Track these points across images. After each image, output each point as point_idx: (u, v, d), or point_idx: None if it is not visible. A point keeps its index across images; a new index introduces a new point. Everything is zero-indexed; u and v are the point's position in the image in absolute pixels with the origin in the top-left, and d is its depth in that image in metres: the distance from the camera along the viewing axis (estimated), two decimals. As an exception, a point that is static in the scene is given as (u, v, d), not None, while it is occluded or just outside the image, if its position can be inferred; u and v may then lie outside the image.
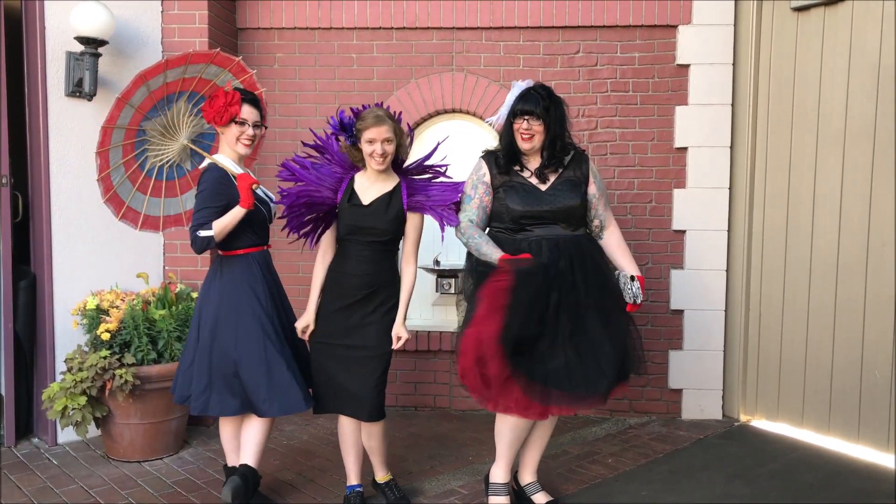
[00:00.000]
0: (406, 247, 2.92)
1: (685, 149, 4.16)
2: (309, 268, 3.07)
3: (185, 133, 2.99)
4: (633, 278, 2.78)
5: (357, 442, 2.98)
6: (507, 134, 2.83)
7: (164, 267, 4.11)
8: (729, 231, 4.15)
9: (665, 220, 4.21)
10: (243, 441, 2.88)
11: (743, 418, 4.17)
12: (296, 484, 3.29)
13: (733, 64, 4.09)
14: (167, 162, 3.02)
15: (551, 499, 3.00)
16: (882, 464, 3.45)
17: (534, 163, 2.84)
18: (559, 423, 3.64)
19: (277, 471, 3.44)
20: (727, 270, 4.16)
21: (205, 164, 2.84)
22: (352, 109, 2.86)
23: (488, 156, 2.89)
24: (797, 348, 3.89)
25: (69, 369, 3.41)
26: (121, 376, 3.31)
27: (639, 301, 2.78)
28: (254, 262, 2.84)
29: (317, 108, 4.32)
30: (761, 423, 4.09)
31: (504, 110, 2.87)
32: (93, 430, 3.46)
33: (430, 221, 3.02)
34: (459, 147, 4.08)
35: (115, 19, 3.62)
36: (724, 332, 4.19)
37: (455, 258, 4.43)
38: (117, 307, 3.55)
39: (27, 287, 3.71)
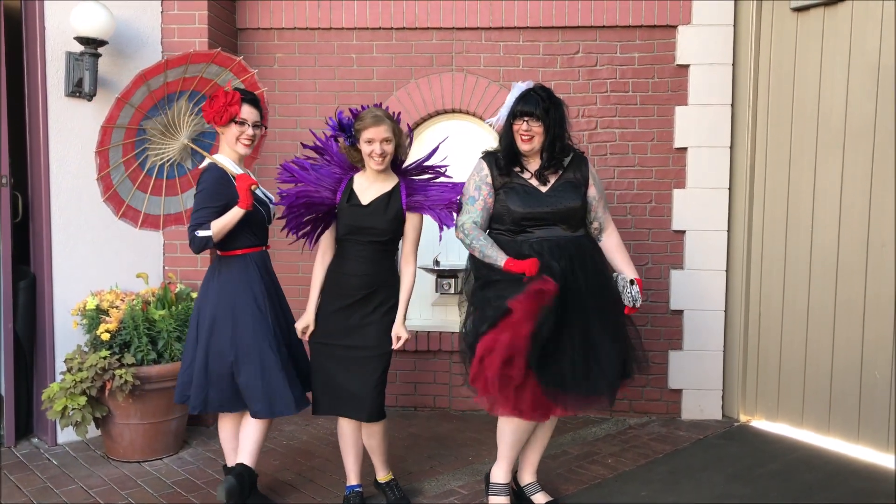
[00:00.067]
0: (405, 247, 2.92)
1: (685, 149, 4.16)
2: (308, 268, 3.07)
3: (186, 132, 2.99)
4: (632, 282, 2.80)
5: (357, 442, 2.98)
6: (506, 135, 2.83)
7: (163, 267, 4.11)
8: (728, 231, 4.15)
9: (665, 221, 4.21)
10: (240, 440, 2.89)
11: (743, 418, 4.17)
12: (295, 484, 3.29)
13: (733, 64, 4.09)
14: (168, 160, 3.02)
15: (551, 499, 3.00)
16: (882, 464, 3.45)
17: (533, 164, 2.84)
18: (559, 424, 3.64)
19: (277, 471, 3.44)
20: (727, 271, 4.17)
21: (205, 163, 2.84)
22: (350, 110, 2.86)
23: (488, 156, 2.88)
24: (797, 348, 3.89)
25: (69, 369, 3.41)
26: (120, 376, 3.31)
27: (638, 305, 2.79)
28: (252, 262, 2.84)
29: (316, 109, 4.32)
30: (761, 424, 4.09)
31: (504, 111, 2.87)
32: (92, 431, 3.46)
33: (429, 222, 3.02)
34: (459, 147, 4.08)
35: (114, 19, 3.62)
36: (724, 332, 4.19)
37: (455, 258, 4.43)
38: (117, 307, 3.55)
39: (27, 287, 3.71)
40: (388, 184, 2.88)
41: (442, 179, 2.98)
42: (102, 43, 3.61)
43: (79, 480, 3.30)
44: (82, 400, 3.32)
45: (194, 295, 3.74)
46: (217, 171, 2.75)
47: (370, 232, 2.82)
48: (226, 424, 2.99)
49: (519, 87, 2.84)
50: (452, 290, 4.33)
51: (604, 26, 4.15)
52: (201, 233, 2.67)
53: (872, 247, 3.55)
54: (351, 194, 2.86)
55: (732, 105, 4.11)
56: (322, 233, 2.95)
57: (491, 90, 4.22)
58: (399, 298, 2.89)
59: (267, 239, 2.96)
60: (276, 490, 3.21)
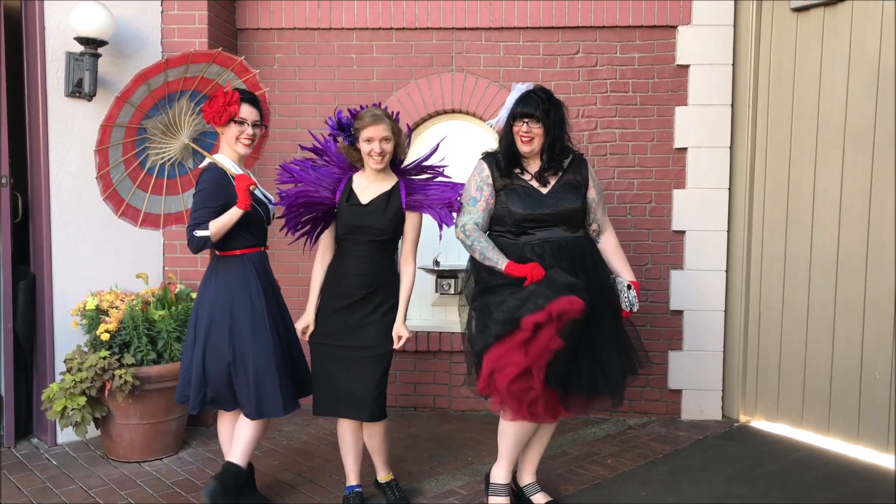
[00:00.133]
0: (405, 246, 2.92)
1: (685, 149, 4.16)
2: (308, 268, 3.07)
3: (187, 132, 2.98)
4: (629, 286, 2.82)
5: (356, 442, 2.98)
6: (506, 137, 2.83)
7: (163, 267, 4.11)
8: (728, 231, 4.15)
9: (665, 221, 4.21)
10: (233, 438, 2.88)
11: (742, 419, 4.17)
12: (295, 484, 3.29)
13: (733, 64, 4.09)
14: (169, 160, 3.02)
15: (551, 499, 3.00)
16: (882, 464, 3.45)
17: (533, 166, 2.84)
18: (559, 424, 3.63)
19: (277, 471, 3.44)
20: (727, 271, 4.16)
21: (205, 163, 2.84)
22: (349, 110, 2.86)
23: (489, 157, 2.88)
24: (797, 349, 3.88)
25: (69, 370, 3.41)
26: (120, 377, 3.31)
27: (635, 309, 2.82)
28: (249, 263, 2.83)
29: (316, 109, 4.32)
30: (761, 424, 4.09)
31: (504, 113, 2.87)
32: (92, 431, 3.46)
33: (429, 221, 3.02)
34: (459, 147, 4.09)
35: (114, 19, 3.62)
36: (724, 332, 4.18)
37: (455, 258, 4.43)
38: (117, 307, 3.55)
39: (27, 287, 3.71)
40: (387, 183, 2.88)
41: (441, 179, 2.98)
42: (102, 43, 3.62)
43: (78, 480, 3.30)
44: (82, 400, 3.32)
45: (194, 295, 3.73)
46: (216, 171, 2.75)
47: (370, 231, 2.82)
48: (225, 424, 2.99)
49: (519, 89, 2.85)
50: (452, 291, 4.33)
51: (604, 26, 4.15)
52: (200, 233, 2.67)
53: (872, 247, 3.55)
54: (350, 194, 2.86)
55: (732, 105, 4.11)
56: (321, 232, 2.95)
57: (491, 90, 4.22)
58: (399, 298, 2.89)
59: (265, 240, 2.96)
60: (275, 490, 3.21)
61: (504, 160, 2.82)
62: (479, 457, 3.62)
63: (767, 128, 4.01)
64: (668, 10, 4.09)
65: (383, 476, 3.07)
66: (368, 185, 2.87)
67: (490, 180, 2.81)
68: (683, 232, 4.18)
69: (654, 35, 4.14)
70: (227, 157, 2.82)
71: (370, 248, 2.84)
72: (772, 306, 4.01)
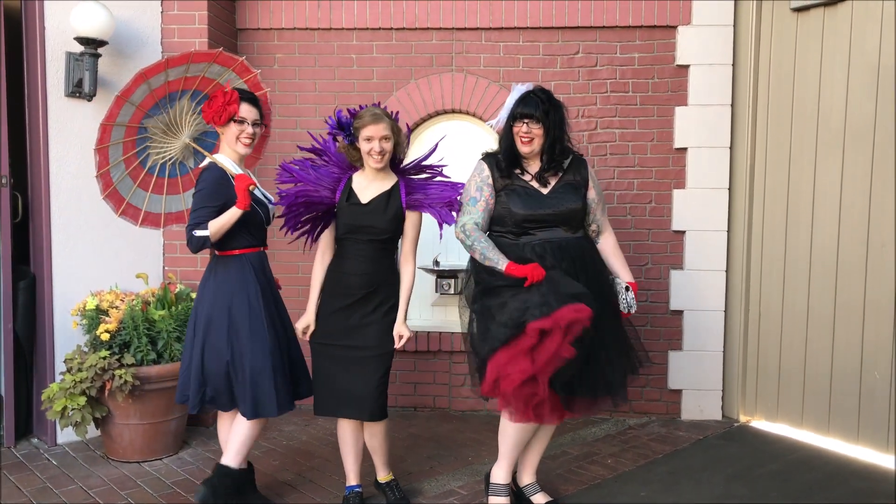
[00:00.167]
0: (404, 246, 2.92)
1: (685, 149, 4.16)
2: (308, 268, 3.07)
3: (188, 132, 2.98)
4: (627, 288, 2.83)
5: (357, 442, 2.99)
6: (506, 137, 2.83)
7: (163, 267, 4.11)
8: (728, 231, 4.15)
9: (665, 221, 4.21)
10: (229, 439, 2.87)
11: (742, 419, 4.17)
12: (295, 484, 3.29)
13: (733, 64, 4.09)
14: (170, 159, 3.02)
15: (550, 499, 3.00)
16: (882, 464, 3.45)
17: (534, 166, 2.84)
18: (559, 424, 3.64)
19: (277, 471, 3.44)
20: (727, 271, 4.16)
21: (205, 163, 2.84)
22: (348, 110, 2.86)
23: (489, 158, 2.88)
24: (797, 349, 3.88)
25: (69, 370, 3.41)
26: (120, 377, 3.31)
27: (633, 311, 2.83)
28: (248, 263, 2.82)
29: (316, 109, 4.32)
30: (761, 424, 4.09)
31: (504, 113, 2.87)
32: (92, 431, 3.46)
33: (428, 222, 3.02)
34: (459, 147, 4.09)
35: (114, 20, 3.62)
36: (724, 332, 4.18)
37: (455, 258, 4.43)
38: (117, 307, 3.55)
39: (27, 287, 3.71)
40: (387, 183, 2.89)
41: (440, 179, 2.98)
42: (102, 43, 3.62)
43: (78, 480, 3.30)
44: (82, 400, 3.32)
45: (194, 295, 3.73)
46: (216, 171, 2.75)
47: (370, 231, 2.82)
48: (225, 424, 2.99)
49: (518, 90, 2.85)
50: (452, 291, 4.33)
51: (604, 26, 4.15)
52: (199, 232, 2.67)
53: (872, 247, 3.55)
54: (350, 193, 2.86)
55: (732, 105, 4.11)
56: (321, 231, 2.95)
57: (491, 90, 4.22)
58: (399, 298, 2.89)
59: (265, 240, 2.95)
60: (275, 490, 3.21)
61: (504, 161, 2.82)
62: (479, 457, 3.62)
63: (767, 128, 4.00)
64: (668, 10, 4.08)
65: (383, 476, 3.07)
66: (368, 185, 2.87)
67: (490, 180, 2.81)
68: (683, 232, 4.18)
69: (654, 35, 4.14)
70: (227, 157, 2.82)
71: (370, 248, 2.85)
72: (772, 306, 4.01)
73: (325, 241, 2.96)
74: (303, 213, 2.88)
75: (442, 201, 2.88)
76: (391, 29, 4.26)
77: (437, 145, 3.06)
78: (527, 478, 3.04)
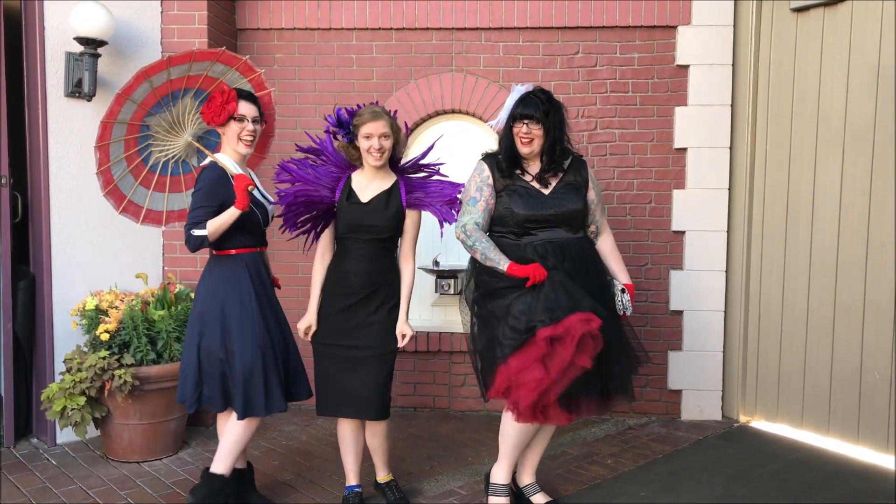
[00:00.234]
0: (404, 244, 2.92)
1: (684, 149, 4.16)
2: (308, 268, 3.07)
3: (190, 130, 2.97)
4: (623, 290, 2.84)
5: (357, 442, 2.99)
6: (506, 138, 2.83)
7: (163, 267, 4.11)
8: (728, 232, 4.15)
9: (664, 221, 4.20)
10: (220, 442, 2.86)
11: (742, 419, 4.17)
12: (295, 484, 3.29)
13: (733, 65, 4.09)
14: (173, 157, 3.01)
15: (550, 499, 2.99)
16: (882, 464, 3.45)
17: (534, 167, 2.84)
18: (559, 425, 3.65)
19: (276, 471, 3.44)
20: (726, 271, 4.16)
21: (206, 161, 2.84)
22: (346, 109, 2.86)
23: (489, 158, 2.88)
24: (797, 349, 3.88)
25: (68, 370, 3.41)
26: (120, 377, 3.31)
27: (628, 312, 2.84)
28: (242, 263, 2.80)
29: (316, 109, 4.32)
30: (761, 424, 4.09)
31: (503, 114, 2.87)
32: (92, 431, 3.46)
33: (427, 222, 3.02)
34: (459, 147, 4.10)
35: (114, 20, 3.62)
36: (724, 332, 4.18)
37: (454, 259, 4.42)
38: (116, 307, 3.55)
39: (26, 287, 3.71)
40: (386, 181, 2.89)
41: (438, 177, 2.98)
42: (102, 43, 3.61)
43: (78, 481, 3.30)
44: (81, 400, 3.32)
45: (193, 295, 3.74)
46: (216, 170, 2.75)
47: (371, 230, 2.82)
48: (224, 425, 2.98)
49: (518, 90, 2.85)
50: (452, 291, 4.33)
51: (604, 27, 4.15)
52: (197, 232, 2.66)
53: (872, 247, 3.54)
54: (350, 192, 2.86)
55: (732, 105, 4.10)
56: (322, 231, 2.95)
57: (491, 90, 4.22)
58: (400, 297, 2.89)
59: (263, 241, 2.93)
60: (275, 490, 3.21)
61: (504, 161, 2.82)
62: (479, 457, 3.62)
63: (767, 128, 4.00)
64: (667, 10, 4.08)
65: (383, 476, 3.08)
66: (368, 184, 2.88)
67: (490, 181, 2.81)
68: (683, 232, 4.18)
69: (654, 35, 4.14)
70: (228, 157, 2.82)
71: (371, 247, 2.85)
72: (771, 306, 4.01)
73: (325, 240, 2.96)
74: (302, 212, 2.88)
75: (442, 199, 2.88)
76: (391, 29, 4.26)
77: (433, 144, 3.06)
78: (527, 478, 3.04)
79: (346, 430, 2.96)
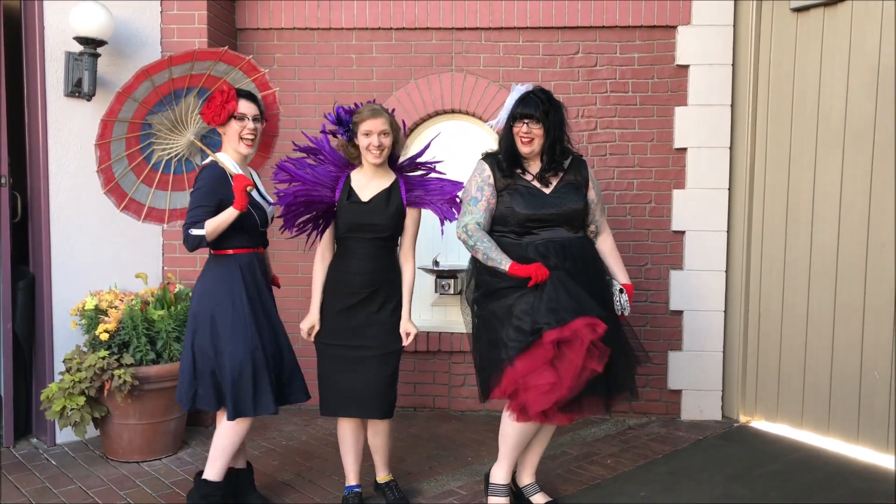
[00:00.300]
0: (404, 242, 2.92)
1: (684, 149, 4.15)
2: (308, 268, 3.07)
3: (193, 129, 2.96)
4: (621, 290, 2.84)
5: (357, 442, 2.98)
6: (506, 137, 2.83)
7: (162, 267, 4.11)
8: (728, 232, 4.15)
9: (664, 221, 4.20)
10: (211, 445, 2.84)
11: (742, 419, 4.17)
12: (294, 484, 3.29)
13: (733, 65, 4.09)
14: (175, 156, 3.00)
15: (550, 499, 2.99)
16: (881, 464, 3.45)
17: (534, 167, 2.84)
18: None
19: (276, 471, 3.44)
20: (726, 271, 4.16)
21: (206, 160, 2.84)
22: (345, 108, 2.86)
23: (489, 158, 2.88)
24: (797, 349, 3.88)
25: (68, 370, 3.41)
26: (119, 377, 3.31)
27: (626, 313, 2.84)
28: (236, 263, 2.79)
29: (316, 109, 4.32)
30: (761, 424, 4.08)
31: (503, 114, 2.87)
32: (91, 431, 3.46)
33: (427, 223, 3.02)
34: (459, 147, 4.09)
35: (114, 19, 3.62)
36: (724, 332, 4.18)
37: (454, 258, 4.42)
38: (116, 307, 3.55)
39: (26, 287, 3.71)
40: (386, 180, 2.89)
41: (435, 175, 2.98)
42: (102, 43, 3.61)
43: (77, 481, 3.30)
44: (81, 400, 3.32)
45: (192, 294, 3.74)
46: (216, 170, 2.74)
47: (372, 228, 2.82)
48: (223, 425, 2.98)
49: (518, 90, 2.85)
50: (452, 291, 4.32)
51: (604, 26, 4.15)
52: (195, 231, 2.66)
53: (872, 247, 3.54)
54: (350, 192, 2.86)
55: (732, 105, 4.10)
56: (322, 231, 2.95)
57: (490, 90, 4.22)
58: (402, 295, 2.90)
59: (261, 241, 2.92)
60: (275, 490, 3.21)
61: (505, 161, 2.82)
62: (479, 457, 3.62)
63: (767, 128, 4.00)
64: (667, 10, 4.08)
65: (383, 476, 3.07)
66: (368, 183, 2.87)
67: (491, 180, 2.81)
68: (683, 232, 4.18)
69: (654, 35, 4.14)
70: (228, 157, 2.81)
71: (372, 246, 2.85)
72: (771, 306, 4.01)
73: (325, 240, 2.95)
74: (302, 212, 2.88)
75: (443, 198, 2.89)
76: (391, 29, 4.26)
77: (429, 143, 3.06)
78: (526, 478, 3.03)
79: (347, 429, 2.96)
